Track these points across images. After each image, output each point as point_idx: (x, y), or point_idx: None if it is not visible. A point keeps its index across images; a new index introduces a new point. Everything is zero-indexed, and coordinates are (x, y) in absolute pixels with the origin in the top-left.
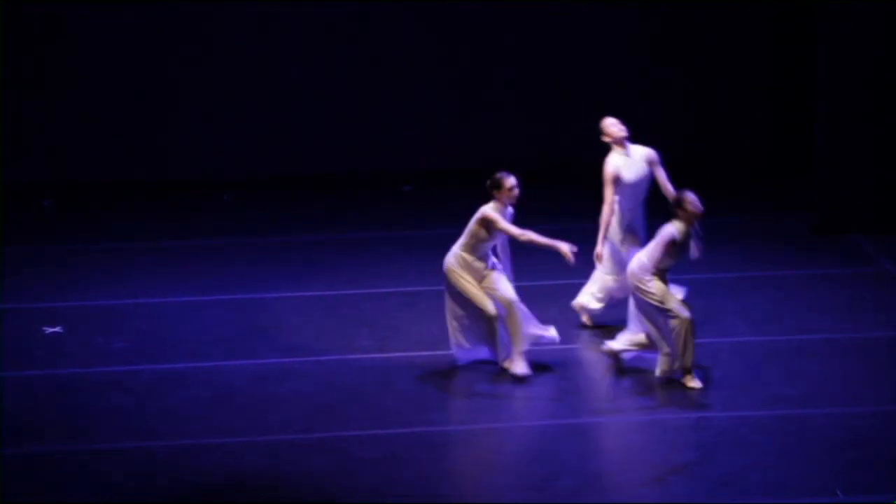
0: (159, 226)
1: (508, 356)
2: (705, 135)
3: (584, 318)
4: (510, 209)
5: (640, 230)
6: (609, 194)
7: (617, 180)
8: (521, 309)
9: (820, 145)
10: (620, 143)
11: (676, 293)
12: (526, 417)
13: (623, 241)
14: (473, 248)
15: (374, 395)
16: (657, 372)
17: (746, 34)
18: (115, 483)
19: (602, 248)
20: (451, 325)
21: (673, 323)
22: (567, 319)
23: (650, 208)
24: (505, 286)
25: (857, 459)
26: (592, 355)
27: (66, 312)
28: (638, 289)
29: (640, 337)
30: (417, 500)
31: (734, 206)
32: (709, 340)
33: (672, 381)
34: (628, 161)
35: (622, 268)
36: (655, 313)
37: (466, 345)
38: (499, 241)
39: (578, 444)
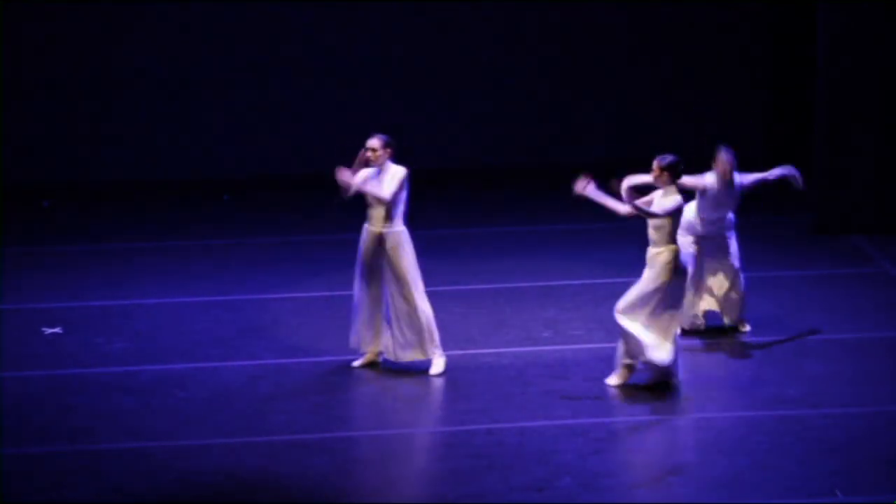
0: (159, 226)
1: None
2: (705, 135)
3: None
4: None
5: None
6: None
7: None
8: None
9: (820, 145)
10: None
11: None
12: (525, 418)
13: None
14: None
15: (373, 395)
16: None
17: (746, 34)
18: (115, 483)
19: None
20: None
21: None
22: (566, 319)
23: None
24: None
25: (857, 459)
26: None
27: (65, 313)
28: None
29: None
30: (417, 500)
31: None
32: (708, 341)
33: (672, 381)
34: None
35: None
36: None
37: None
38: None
39: (578, 444)
